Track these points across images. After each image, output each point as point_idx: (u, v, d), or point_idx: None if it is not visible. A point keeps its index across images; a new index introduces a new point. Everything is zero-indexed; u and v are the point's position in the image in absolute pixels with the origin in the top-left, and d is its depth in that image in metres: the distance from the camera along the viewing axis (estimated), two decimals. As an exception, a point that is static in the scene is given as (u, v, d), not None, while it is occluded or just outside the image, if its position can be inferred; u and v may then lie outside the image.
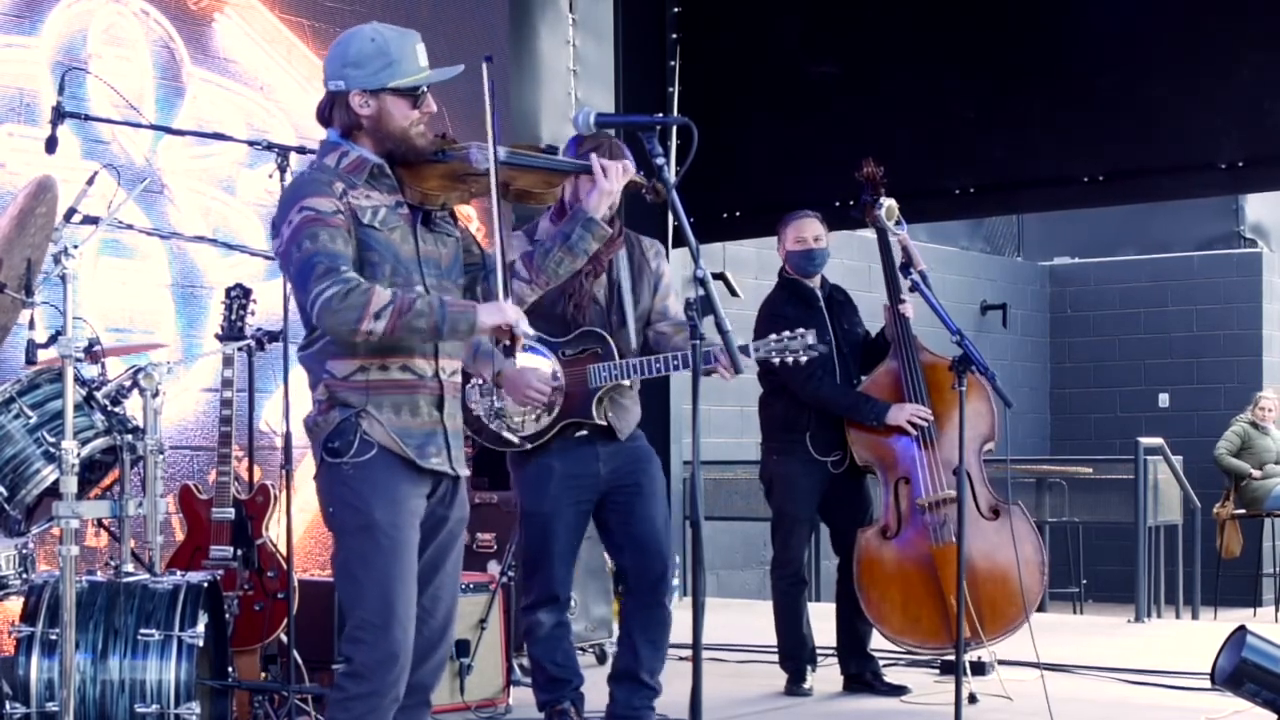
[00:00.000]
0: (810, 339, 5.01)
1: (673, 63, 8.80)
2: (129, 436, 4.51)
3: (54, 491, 4.32)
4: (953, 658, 5.71)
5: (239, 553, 5.39)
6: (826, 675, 6.39)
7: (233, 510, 5.40)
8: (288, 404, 5.12)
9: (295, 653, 5.23)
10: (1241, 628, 4.98)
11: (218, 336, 5.56)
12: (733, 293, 9.88)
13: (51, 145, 4.91)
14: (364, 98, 3.73)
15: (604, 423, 5.02)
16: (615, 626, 7.27)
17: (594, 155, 3.96)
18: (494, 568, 6.10)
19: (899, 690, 6.19)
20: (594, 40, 8.58)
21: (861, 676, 6.28)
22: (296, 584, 5.18)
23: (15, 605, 4.66)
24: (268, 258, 5.96)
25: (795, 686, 6.28)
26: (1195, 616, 10.17)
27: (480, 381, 4.95)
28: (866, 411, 6.09)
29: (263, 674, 5.48)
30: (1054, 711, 5.31)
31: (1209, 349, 14.39)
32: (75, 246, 4.08)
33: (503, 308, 3.68)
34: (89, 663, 4.24)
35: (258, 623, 5.40)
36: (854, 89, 8.16)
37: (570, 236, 3.82)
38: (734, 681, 6.58)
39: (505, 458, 5.21)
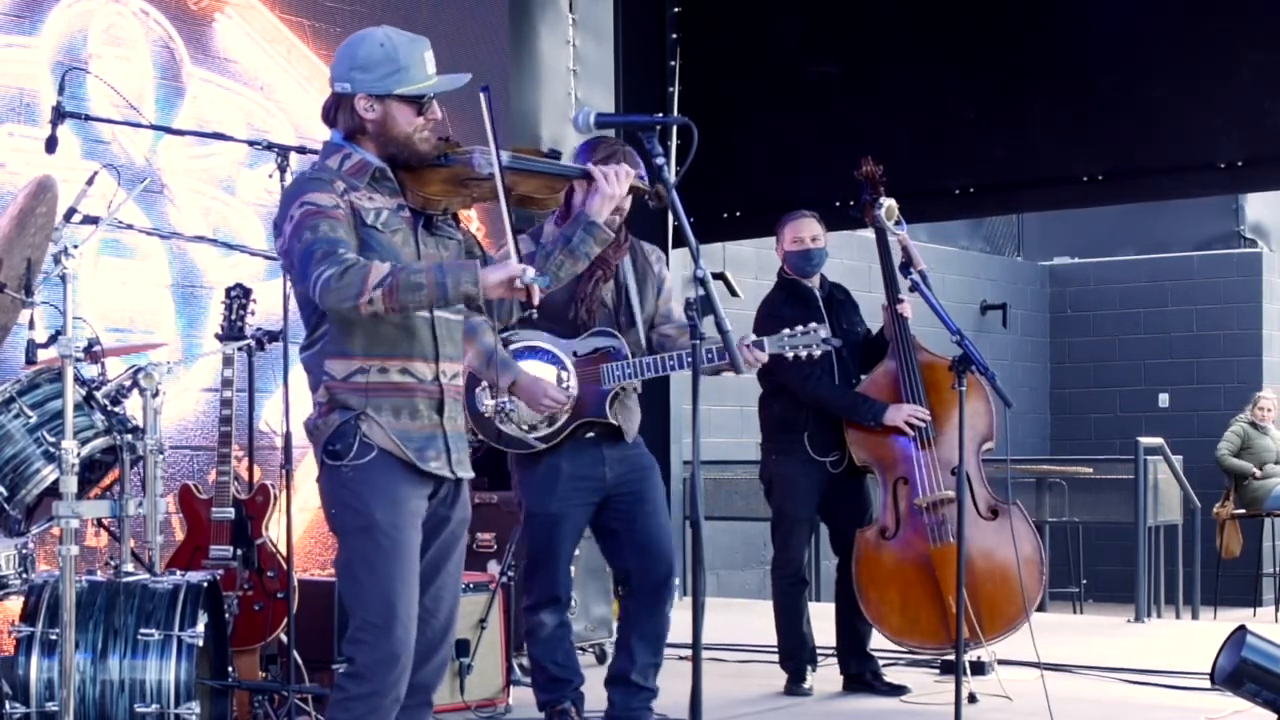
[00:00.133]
0: (824, 333, 5.08)
1: (673, 63, 8.81)
2: (129, 436, 4.52)
3: (54, 491, 4.33)
4: (952, 657, 5.71)
5: (239, 553, 5.39)
6: (826, 675, 6.39)
7: (233, 510, 5.40)
8: (288, 404, 5.12)
9: (295, 653, 5.23)
10: (1241, 628, 4.98)
11: (218, 336, 5.56)
12: (733, 292, 9.88)
13: (51, 145, 4.91)
14: (369, 102, 3.73)
15: (616, 423, 5.05)
16: (615, 626, 7.28)
17: (590, 164, 3.96)
18: (494, 568, 6.10)
19: (899, 690, 6.19)
20: (594, 40, 8.58)
21: (861, 676, 6.28)
22: (296, 584, 5.18)
23: (15, 605, 4.66)
24: (268, 258, 5.96)
25: (795, 686, 6.28)
26: (1195, 616, 10.17)
27: (488, 385, 4.97)
28: (864, 412, 6.09)
29: (263, 674, 5.49)
30: (1054, 711, 5.31)
31: (1209, 349, 14.39)
32: (75, 246, 4.08)
33: (508, 263, 3.65)
34: (89, 663, 4.24)
35: (258, 623, 5.40)
36: (854, 89, 8.16)
37: (572, 239, 3.82)
38: (734, 681, 6.58)
39: (506, 458, 5.21)
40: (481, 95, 3.70)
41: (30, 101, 6.07)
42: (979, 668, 6.15)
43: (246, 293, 5.56)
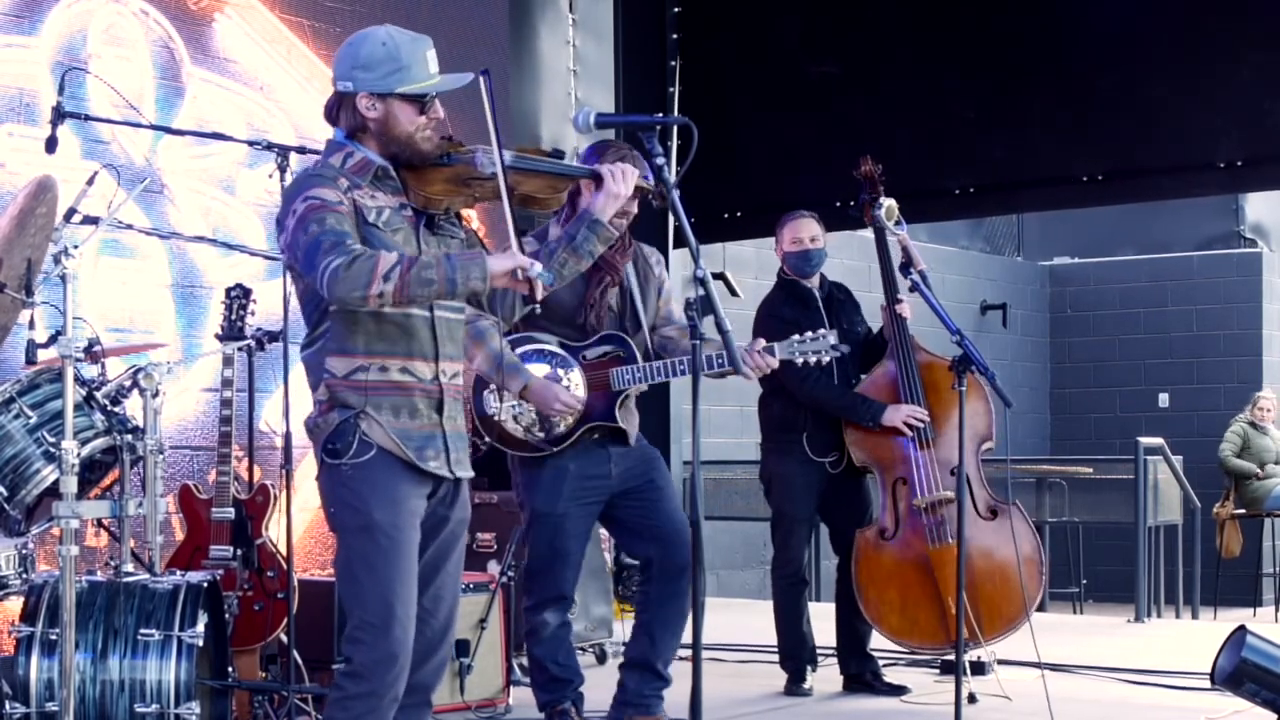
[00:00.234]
0: (833, 339, 5.12)
1: (673, 63, 8.80)
2: (129, 436, 4.52)
3: (54, 491, 4.33)
4: (952, 657, 5.71)
5: (239, 553, 5.39)
6: (826, 675, 6.39)
7: (233, 510, 5.40)
8: (288, 404, 5.12)
9: (295, 653, 5.23)
10: (1241, 628, 4.98)
11: (218, 336, 5.56)
12: (733, 293, 9.88)
13: (51, 145, 4.91)
14: (371, 101, 3.73)
15: (624, 426, 5.06)
16: (615, 626, 7.28)
17: (597, 164, 3.97)
18: (494, 568, 6.10)
19: (899, 690, 6.18)
20: (594, 40, 8.58)
21: (861, 676, 6.28)
22: (296, 584, 5.18)
23: (15, 605, 4.67)
24: (268, 258, 5.97)
25: (795, 686, 6.28)
26: (1195, 616, 10.17)
27: (496, 388, 4.97)
28: (863, 412, 6.09)
29: (262, 674, 5.49)
30: (1054, 711, 5.31)
31: (1209, 349, 14.39)
32: (75, 246, 4.08)
33: (513, 253, 3.66)
34: (89, 663, 4.24)
35: (258, 623, 5.40)
36: (854, 89, 8.16)
37: (575, 238, 3.82)
38: (734, 681, 6.58)
39: (507, 458, 5.21)
40: (481, 79, 3.70)
41: (30, 101, 6.07)
42: (979, 668, 6.15)
43: (246, 293, 5.56)
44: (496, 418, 5.01)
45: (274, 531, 5.53)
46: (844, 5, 8.34)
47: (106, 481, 4.80)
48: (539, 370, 5.00)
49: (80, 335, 4.22)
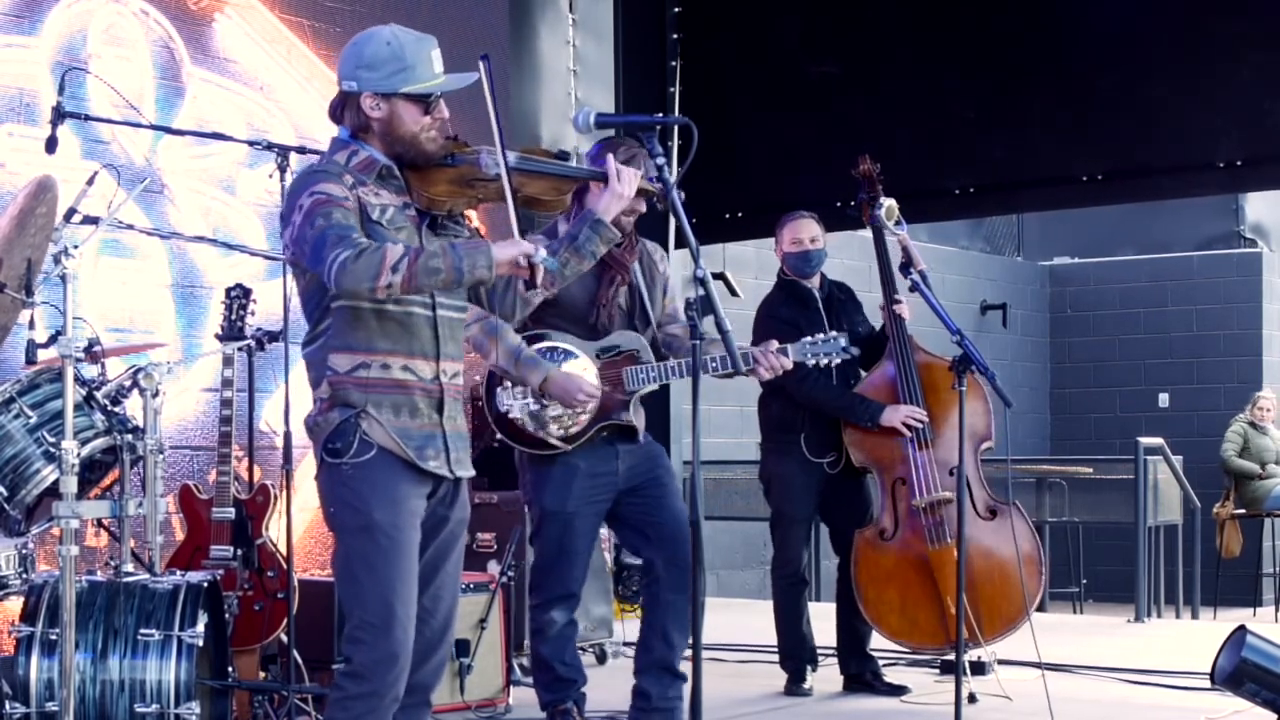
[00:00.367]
0: (843, 341, 5.13)
1: (673, 63, 8.80)
2: (129, 436, 4.52)
3: (54, 491, 4.33)
4: (952, 657, 5.71)
5: (239, 553, 5.40)
6: (826, 675, 6.39)
7: (233, 510, 5.40)
8: (288, 404, 5.13)
9: (295, 653, 5.23)
10: (1241, 627, 4.98)
11: (218, 336, 5.56)
12: (733, 293, 9.88)
13: (51, 145, 4.91)
14: (376, 100, 3.73)
15: (635, 424, 5.06)
16: (615, 626, 7.28)
17: (609, 159, 3.95)
18: (494, 568, 6.10)
19: (899, 690, 6.19)
20: (594, 40, 8.58)
21: (861, 676, 6.28)
22: (296, 584, 5.18)
23: (15, 605, 4.67)
24: (268, 258, 5.97)
25: (795, 686, 6.28)
26: (1195, 616, 10.17)
27: (510, 384, 4.96)
28: (861, 412, 6.09)
29: (263, 674, 5.49)
30: (1054, 711, 5.31)
31: (1209, 349, 14.40)
32: (75, 246, 4.08)
33: (517, 240, 3.66)
34: (89, 663, 4.24)
35: (258, 623, 5.40)
36: (854, 89, 8.16)
37: (578, 238, 3.81)
38: (734, 681, 6.58)
39: (506, 457, 5.20)
40: (481, 64, 3.69)
41: (30, 101, 6.07)
42: (979, 668, 6.15)
43: (246, 293, 5.56)
44: (510, 414, 4.99)
45: (274, 531, 5.53)
46: (844, 5, 8.34)
47: (106, 481, 4.80)
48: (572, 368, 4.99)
49: (80, 335, 4.21)
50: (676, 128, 7.92)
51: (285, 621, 5.16)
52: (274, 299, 5.78)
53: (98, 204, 4.88)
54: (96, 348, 4.61)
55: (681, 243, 8.00)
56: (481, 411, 6.45)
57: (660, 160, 3.76)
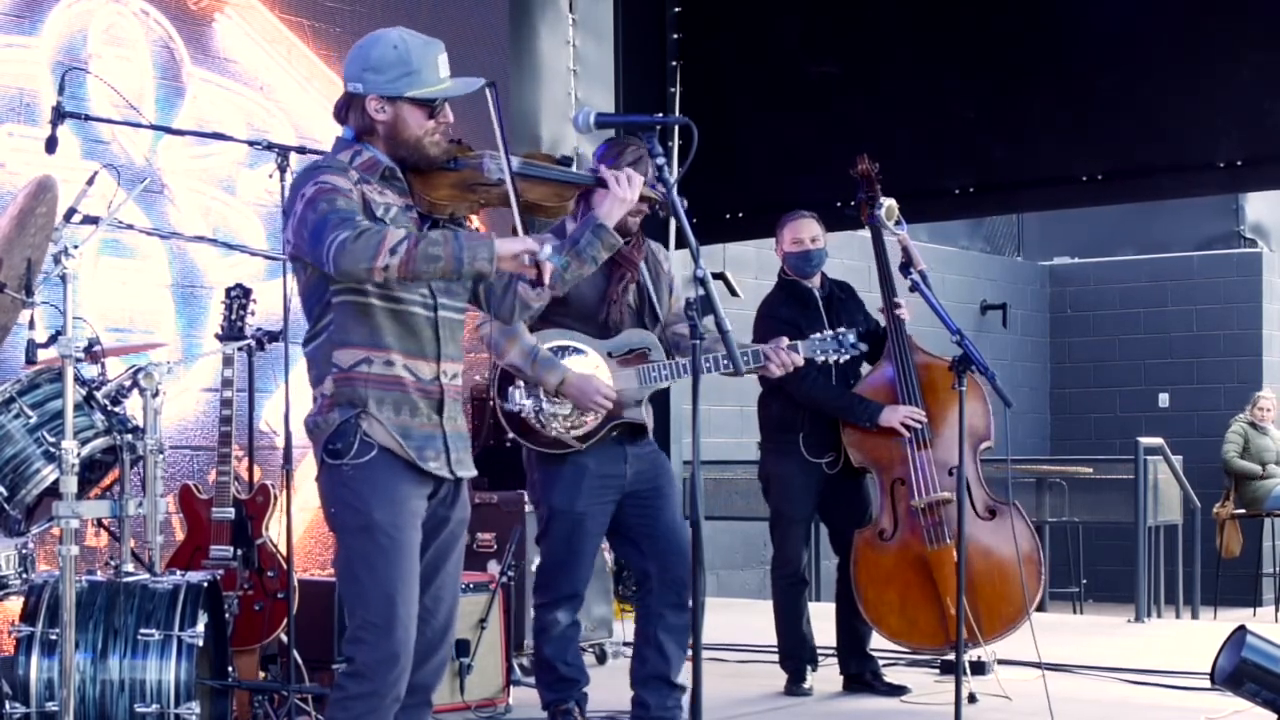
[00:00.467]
0: (851, 338, 5.16)
1: (673, 63, 8.81)
2: (129, 436, 4.52)
3: (54, 491, 4.33)
4: (952, 657, 5.71)
5: (239, 553, 5.40)
6: (826, 675, 6.40)
7: (233, 510, 5.41)
8: (288, 404, 5.13)
9: (295, 653, 5.23)
10: (1241, 628, 4.98)
11: (218, 336, 5.56)
12: (733, 292, 9.88)
13: (51, 145, 4.90)
14: (380, 103, 3.73)
15: (645, 422, 5.07)
16: (615, 626, 7.28)
17: (603, 168, 3.95)
18: (494, 568, 6.10)
19: (899, 690, 6.19)
20: (594, 40, 8.58)
21: (861, 676, 6.28)
22: (296, 584, 5.18)
23: (15, 605, 4.67)
24: (268, 257, 5.97)
25: (795, 686, 6.28)
26: (1195, 616, 10.17)
27: (523, 384, 4.95)
28: (860, 412, 6.09)
29: (263, 674, 5.49)
30: (1054, 711, 5.31)
31: (1209, 349, 14.39)
32: (75, 246, 4.08)
33: (522, 237, 3.64)
34: (89, 662, 4.24)
35: (258, 623, 5.40)
36: (854, 89, 8.16)
37: (579, 242, 3.81)
38: (734, 681, 6.58)
39: (521, 456, 5.18)
40: (488, 92, 3.69)
41: (30, 101, 6.07)
42: (979, 668, 6.15)
43: (246, 293, 5.56)
44: (523, 414, 4.98)
45: (274, 531, 5.53)
46: (844, 5, 8.34)
47: (106, 481, 4.80)
48: (585, 366, 4.99)
49: (80, 335, 4.22)
50: (676, 128, 7.93)
51: (285, 621, 5.16)
52: (274, 299, 5.78)
53: (98, 204, 4.88)
54: (96, 348, 4.61)
55: (682, 243, 8.00)
56: (482, 411, 6.44)
57: (660, 160, 3.75)
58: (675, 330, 5.18)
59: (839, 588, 6.30)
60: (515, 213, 3.68)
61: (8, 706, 4.22)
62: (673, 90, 8.78)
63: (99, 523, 5.66)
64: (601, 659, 7.03)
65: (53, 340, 4.31)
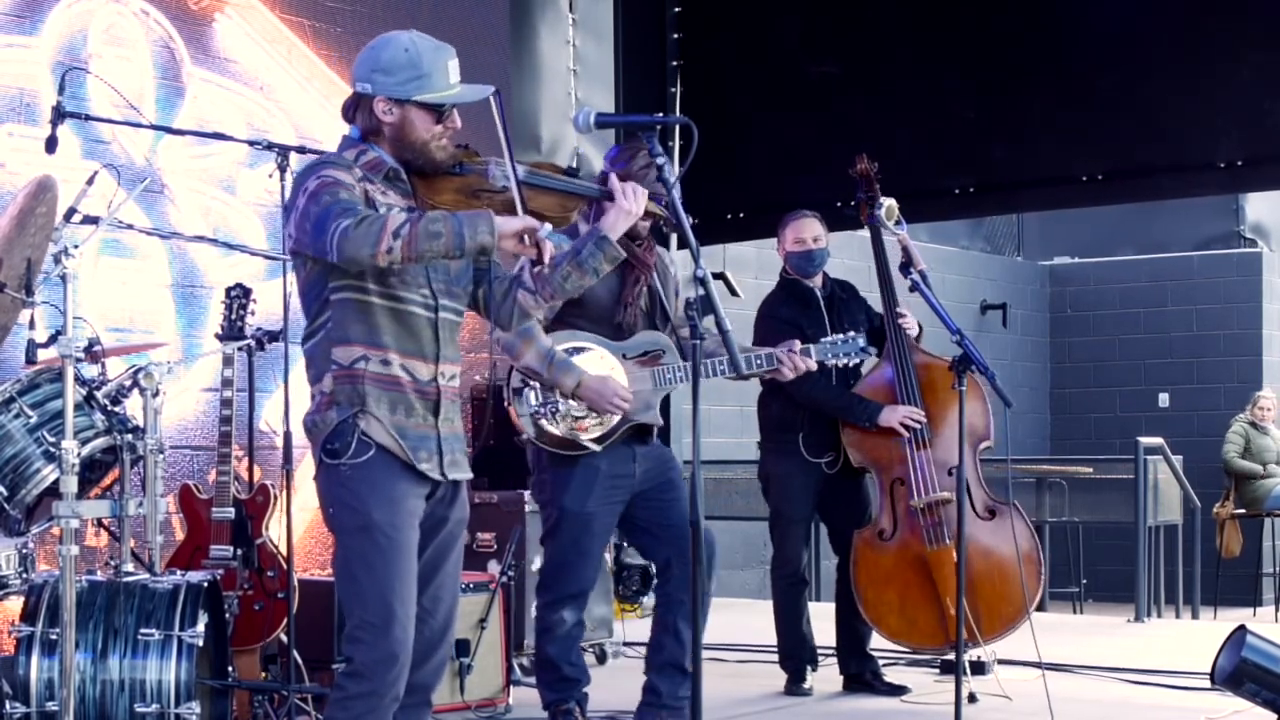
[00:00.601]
0: (861, 341, 5.21)
1: (673, 63, 8.80)
2: (129, 436, 4.52)
3: (54, 491, 4.33)
4: (952, 657, 5.71)
5: (239, 552, 5.40)
6: (826, 675, 6.39)
7: (233, 510, 5.41)
8: (288, 404, 5.13)
9: (295, 652, 5.23)
10: (1241, 627, 4.98)
11: (218, 336, 5.56)
12: (733, 292, 9.88)
13: (51, 145, 4.90)
14: (388, 105, 3.72)
15: (659, 423, 5.09)
16: (615, 626, 7.29)
17: (612, 177, 3.94)
18: (494, 567, 6.10)
19: (899, 690, 6.19)
20: (594, 40, 8.58)
21: (861, 676, 6.28)
22: (296, 584, 5.18)
23: (15, 605, 4.67)
24: (268, 257, 5.97)
25: (795, 686, 6.28)
26: (1195, 616, 10.17)
27: (538, 385, 4.95)
28: (859, 412, 6.09)
29: (263, 674, 5.49)
30: (1054, 711, 5.31)
31: (1209, 349, 14.39)
32: (75, 246, 4.08)
33: (522, 216, 3.63)
34: (89, 662, 4.24)
35: (258, 623, 5.40)
36: (854, 89, 8.15)
37: (581, 253, 3.80)
38: (734, 681, 6.58)
39: (528, 456, 5.18)
40: (492, 99, 3.69)
41: (30, 101, 6.07)
42: (979, 667, 6.15)
43: (246, 293, 5.56)
44: (538, 416, 4.98)
45: (274, 531, 5.53)
46: (844, 5, 8.34)
47: (106, 481, 4.80)
48: (601, 366, 4.99)
49: (80, 335, 4.21)
50: (677, 128, 7.92)
51: (285, 621, 5.16)
52: (274, 299, 5.78)
53: (98, 204, 4.88)
54: (96, 348, 4.61)
55: (682, 243, 8.00)
56: (481, 411, 6.44)
57: (661, 160, 3.75)
58: (684, 334, 5.19)
59: (839, 588, 6.30)
60: (519, 211, 3.67)
61: (8, 706, 4.22)
62: (673, 90, 8.78)
63: (99, 523, 5.66)
64: (601, 659, 7.03)
65: (53, 340, 4.31)
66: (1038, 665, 5.67)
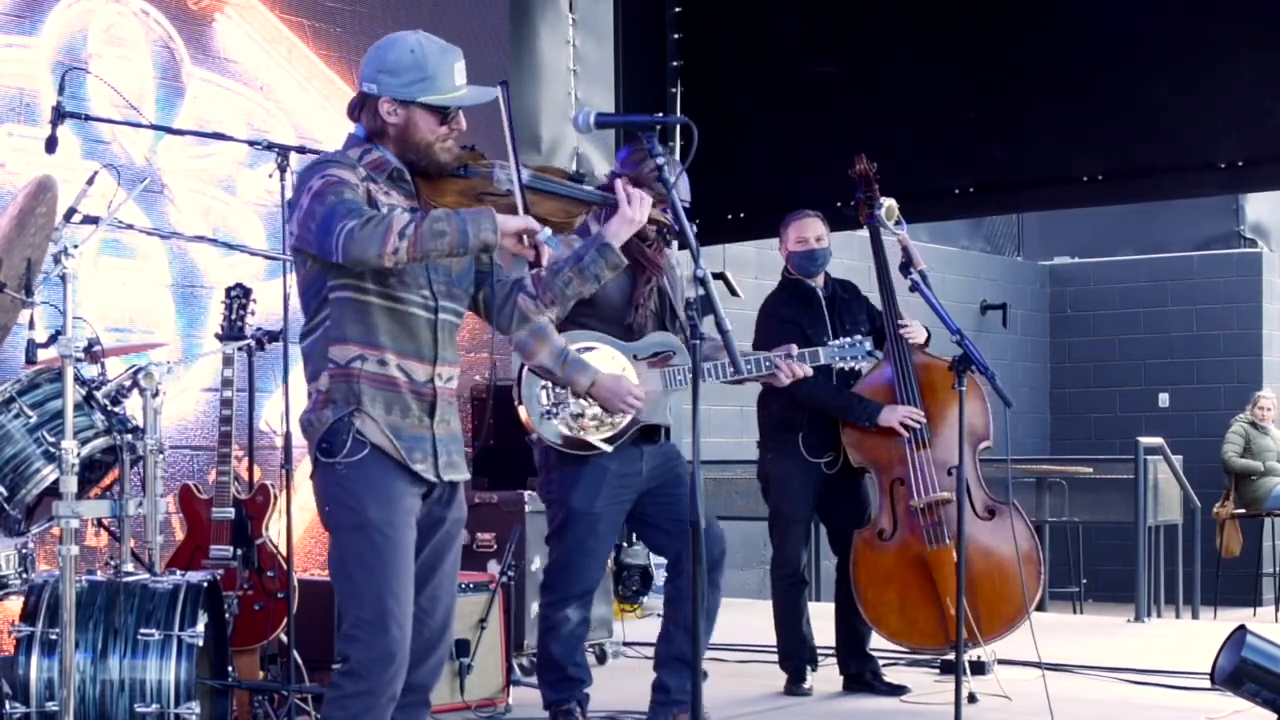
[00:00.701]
0: (868, 345, 5.25)
1: (673, 63, 8.81)
2: (129, 436, 4.52)
3: (54, 491, 4.33)
4: (952, 657, 5.71)
5: (239, 552, 5.40)
6: (826, 675, 6.39)
7: (233, 510, 5.41)
8: (288, 404, 5.13)
9: (295, 652, 5.23)
10: (1241, 627, 4.98)
11: (218, 336, 5.56)
12: (733, 292, 9.87)
13: (51, 145, 4.91)
14: (393, 106, 3.72)
15: (669, 423, 5.09)
16: (615, 626, 7.28)
17: (618, 182, 3.94)
18: (494, 567, 6.10)
19: (899, 690, 6.18)
20: (594, 40, 8.59)
21: (861, 676, 6.28)
22: (296, 584, 5.18)
23: (15, 605, 4.67)
24: (268, 257, 5.97)
25: (795, 686, 6.28)
26: (1195, 616, 10.16)
27: (549, 384, 4.95)
28: (859, 412, 6.08)
29: (262, 674, 5.49)
30: (1054, 711, 5.31)
31: (1209, 349, 14.39)
32: (75, 246, 4.08)
33: (523, 217, 3.63)
34: (89, 662, 4.24)
35: (258, 622, 5.40)
36: (854, 89, 8.16)
37: (583, 259, 3.79)
38: (734, 681, 6.58)
39: (536, 455, 5.17)
40: (499, 90, 3.68)
41: (30, 101, 6.08)
42: (979, 667, 6.15)
43: (246, 293, 5.56)
44: (549, 415, 4.98)
45: (274, 531, 5.53)
46: (844, 5, 8.34)
47: (106, 481, 4.80)
48: (613, 365, 4.99)
49: (80, 335, 4.21)
50: (677, 128, 7.93)
51: (285, 621, 5.16)
52: (274, 299, 5.78)
53: (98, 204, 4.88)
54: (96, 348, 4.61)
55: (682, 243, 8.00)
56: (481, 411, 6.44)
57: (661, 160, 3.75)
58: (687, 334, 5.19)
59: (839, 588, 6.30)
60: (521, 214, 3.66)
61: (8, 706, 4.22)
62: (673, 90, 8.79)
63: (99, 523, 5.66)
64: (601, 659, 7.03)
65: (53, 340, 4.31)
66: (1038, 665, 5.67)
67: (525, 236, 3.61)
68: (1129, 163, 7.68)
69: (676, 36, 8.82)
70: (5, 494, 4.46)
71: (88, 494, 4.70)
